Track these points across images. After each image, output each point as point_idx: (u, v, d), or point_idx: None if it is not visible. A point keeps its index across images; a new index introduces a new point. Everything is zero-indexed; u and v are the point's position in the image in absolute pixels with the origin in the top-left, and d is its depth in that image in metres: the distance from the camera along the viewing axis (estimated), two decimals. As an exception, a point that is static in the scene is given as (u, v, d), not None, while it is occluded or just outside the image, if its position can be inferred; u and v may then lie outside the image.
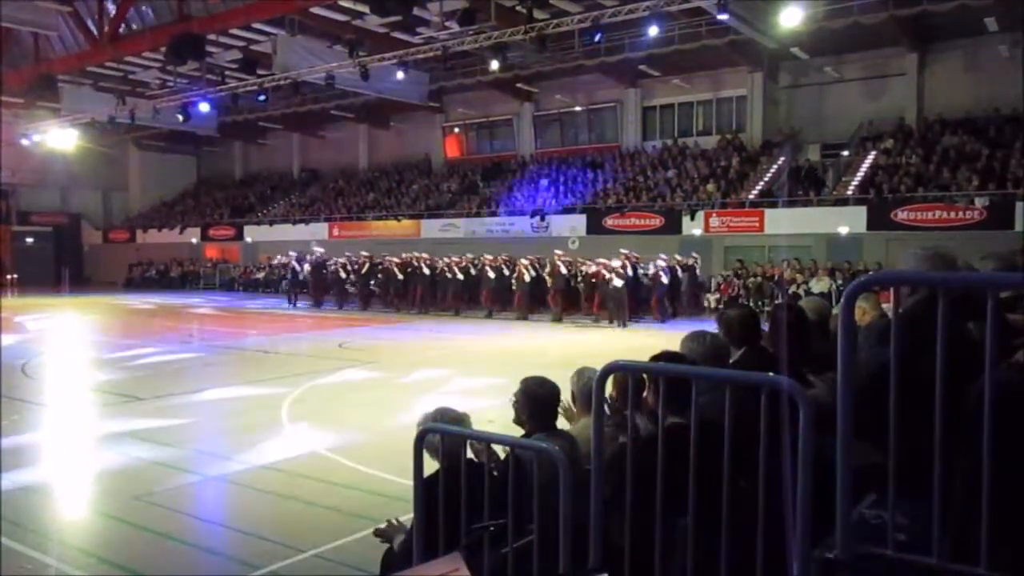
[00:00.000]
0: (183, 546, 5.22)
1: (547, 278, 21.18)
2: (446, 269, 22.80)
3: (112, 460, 7.49)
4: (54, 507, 6.24)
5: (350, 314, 23.26)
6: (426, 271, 23.19)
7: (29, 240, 39.87)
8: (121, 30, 26.29)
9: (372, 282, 24.78)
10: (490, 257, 22.59)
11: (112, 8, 26.04)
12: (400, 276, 23.64)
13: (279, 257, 29.38)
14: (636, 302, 19.86)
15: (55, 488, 6.75)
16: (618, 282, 19.26)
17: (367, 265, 24.66)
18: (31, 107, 31.24)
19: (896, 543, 2.13)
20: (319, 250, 26.89)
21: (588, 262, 20.87)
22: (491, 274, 21.96)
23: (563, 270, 21.06)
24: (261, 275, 32.86)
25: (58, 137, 31.49)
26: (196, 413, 9.41)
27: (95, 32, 26.71)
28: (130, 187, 43.08)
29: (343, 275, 25.29)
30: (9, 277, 34.82)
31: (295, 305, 25.45)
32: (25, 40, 29.57)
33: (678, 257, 21.51)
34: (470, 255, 23.39)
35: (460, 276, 22.52)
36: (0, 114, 32.92)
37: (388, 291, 24.17)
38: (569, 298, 21.23)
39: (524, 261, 21.36)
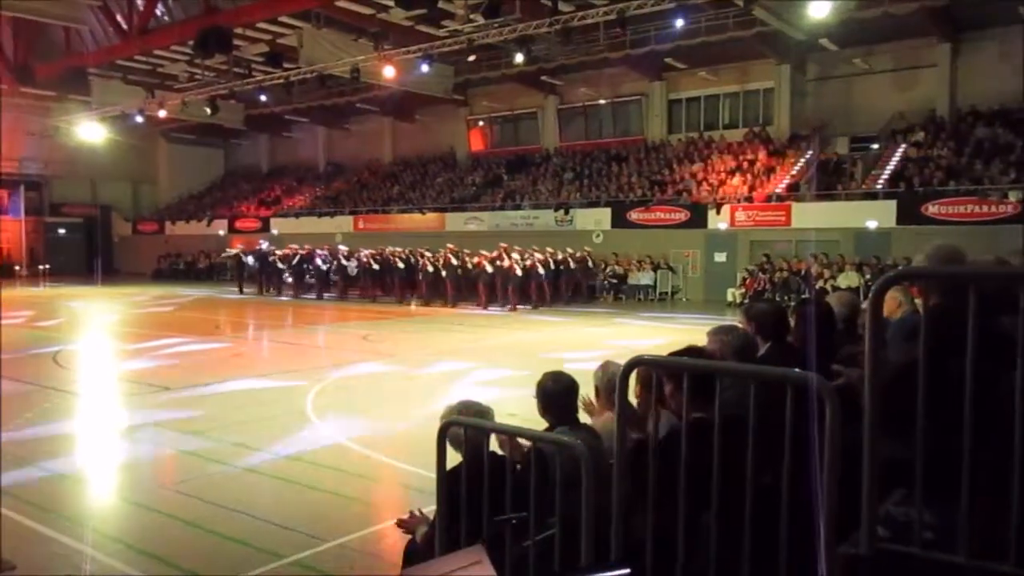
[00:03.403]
0: (209, 534, 5.29)
1: (441, 269, 22.86)
2: (366, 260, 24.74)
3: (140, 449, 7.61)
4: (83, 494, 6.35)
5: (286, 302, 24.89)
6: (344, 262, 25.36)
7: (61, 231, 40.51)
8: (150, 24, 26.59)
9: (306, 273, 26.96)
10: (399, 249, 24.57)
11: (141, 2, 26.34)
12: (324, 267, 26.01)
13: (229, 250, 30.70)
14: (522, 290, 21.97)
15: (85, 475, 6.87)
16: (489, 268, 21.88)
17: (297, 257, 26.70)
18: (62, 100, 31.74)
19: (923, 541, 2.10)
20: (264, 243, 28.78)
21: (475, 254, 22.75)
22: (400, 264, 23.96)
23: (454, 261, 22.79)
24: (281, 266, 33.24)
25: (89, 130, 31.92)
26: (222, 403, 9.52)
27: (124, 26, 27.04)
28: (159, 179, 43.60)
29: (280, 266, 27.16)
30: (41, 267, 35.46)
31: (242, 293, 27.45)
32: (56, 34, 30.01)
33: (569, 250, 23.54)
34: (385, 247, 25.18)
35: (376, 267, 24.55)
36: (32, 107, 33.56)
37: (319, 281, 26.49)
38: (462, 286, 23.09)
39: (427, 254, 23.31)
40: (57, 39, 30.38)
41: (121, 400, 10.15)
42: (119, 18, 27.24)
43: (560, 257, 23.13)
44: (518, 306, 21.51)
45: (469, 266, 22.72)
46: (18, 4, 23.15)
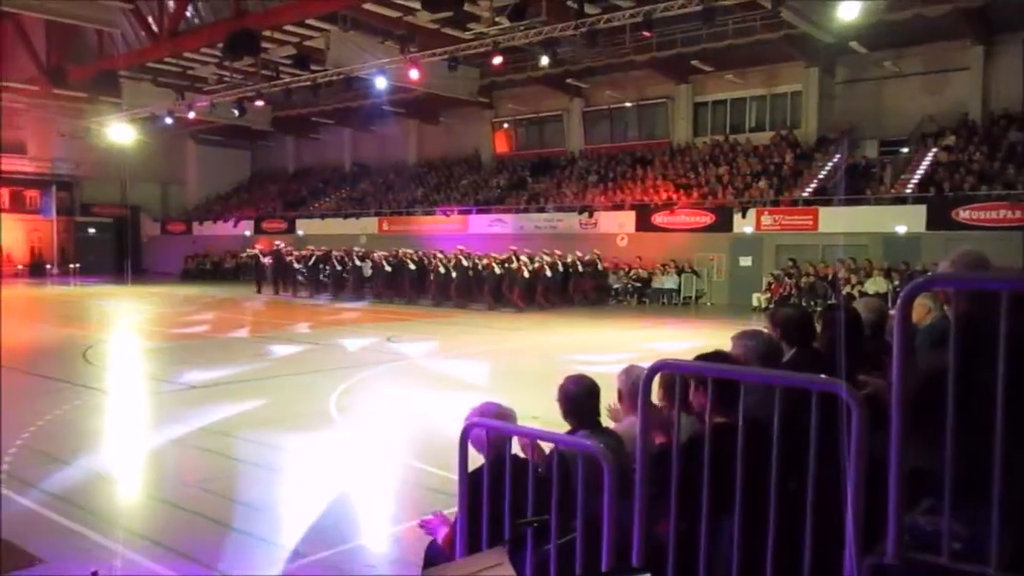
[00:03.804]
0: (233, 532, 5.34)
1: (452, 271, 23.41)
2: (379, 261, 25.35)
3: (166, 446, 7.69)
4: (110, 490, 6.43)
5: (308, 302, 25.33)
6: (358, 263, 26.02)
7: (91, 231, 41.14)
8: (180, 27, 26.93)
9: (321, 273, 27.47)
10: (410, 251, 25.25)
11: (171, 5, 26.69)
12: (339, 267, 26.48)
13: (249, 250, 31.04)
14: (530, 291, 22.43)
15: (111, 472, 6.96)
16: (498, 270, 22.51)
17: (313, 258, 27.30)
18: (94, 102, 32.23)
19: (951, 552, 2.06)
20: (280, 244, 29.24)
21: (484, 256, 23.29)
22: (411, 266, 24.48)
23: (464, 262, 23.27)
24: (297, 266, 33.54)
25: (119, 131, 32.37)
26: (247, 402, 9.60)
27: (155, 29, 27.41)
28: (187, 180, 44.14)
29: (296, 266, 27.68)
30: (72, 266, 36.05)
31: (260, 292, 27.82)
32: (89, 37, 30.48)
33: (578, 253, 23.90)
34: (399, 249, 25.89)
35: (388, 268, 25.05)
36: (64, 108, 34.12)
37: (333, 282, 26.96)
38: (472, 287, 23.49)
39: (439, 255, 23.98)
40: (89, 42, 30.86)
41: (148, 397, 10.28)
42: (150, 21, 27.62)
43: (569, 260, 23.41)
44: (524, 308, 21.71)
45: (479, 267, 23.03)
46: (52, 7, 23.54)
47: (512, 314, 21.00)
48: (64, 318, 19.66)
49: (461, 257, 23.45)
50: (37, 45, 32.08)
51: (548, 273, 22.52)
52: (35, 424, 8.13)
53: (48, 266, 37.77)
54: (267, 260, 28.42)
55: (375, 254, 25.84)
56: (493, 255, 23.00)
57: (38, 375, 11.37)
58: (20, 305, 24.11)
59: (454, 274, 23.23)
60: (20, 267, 37.69)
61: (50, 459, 6.94)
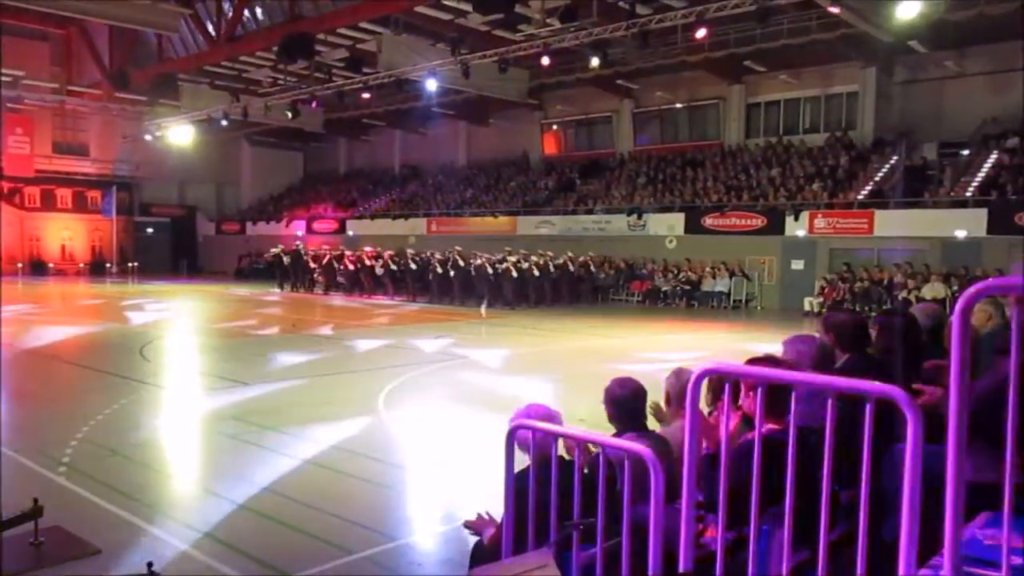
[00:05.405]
0: (281, 527, 5.43)
1: (449, 270, 24.27)
2: (388, 262, 26.45)
3: (217, 441, 7.87)
4: (163, 483, 6.60)
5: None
6: (368, 263, 26.99)
7: (149, 230, 42.30)
8: (236, 31, 27.53)
9: (337, 273, 28.05)
10: (412, 251, 26.49)
11: (229, 10, 27.31)
12: (352, 268, 27.48)
13: (272, 250, 31.69)
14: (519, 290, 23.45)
15: (164, 465, 7.15)
16: (490, 270, 23.28)
17: (327, 258, 28.18)
18: (153, 105, 33.16)
19: (1012, 567, 2.00)
20: (299, 244, 30.22)
21: (479, 256, 24.03)
22: (413, 267, 25.64)
23: (461, 263, 24.18)
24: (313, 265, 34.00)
25: (177, 133, 33.22)
26: (297, 399, 9.77)
27: (213, 33, 28.07)
28: (241, 181, 45.07)
29: (312, 266, 28.61)
30: (130, 265, 37.10)
31: (282, 289, 28.96)
32: (150, 41, 31.37)
33: (569, 254, 24.83)
34: (407, 249, 27.24)
35: (394, 267, 26.27)
36: (126, 112, 35.13)
37: (347, 280, 27.92)
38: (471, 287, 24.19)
39: (437, 255, 25.17)
40: (150, 46, 31.74)
41: (201, 393, 10.52)
42: (208, 26, 28.30)
43: (560, 261, 24.42)
44: (514, 308, 22.48)
45: (479, 266, 23.74)
46: (117, 12, 24.27)
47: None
48: (121, 315, 20.24)
49: (458, 258, 24.29)
50: (101, 50, 33.14)
51: (536, 273, 23.46)
52: (94, 418, 8.38)
53: (108, 264, 38.93)
54: (286, 259, 29.28)
55: (385, 254, 26.85)
56: (487, 256, 23.77)
57: (97, 370, 11.72)
58: (81, 302, 24.92)
59: (451, 273, 24.13)
60: (81, 265, 38.95)
61: (108, 452, 7.15)
